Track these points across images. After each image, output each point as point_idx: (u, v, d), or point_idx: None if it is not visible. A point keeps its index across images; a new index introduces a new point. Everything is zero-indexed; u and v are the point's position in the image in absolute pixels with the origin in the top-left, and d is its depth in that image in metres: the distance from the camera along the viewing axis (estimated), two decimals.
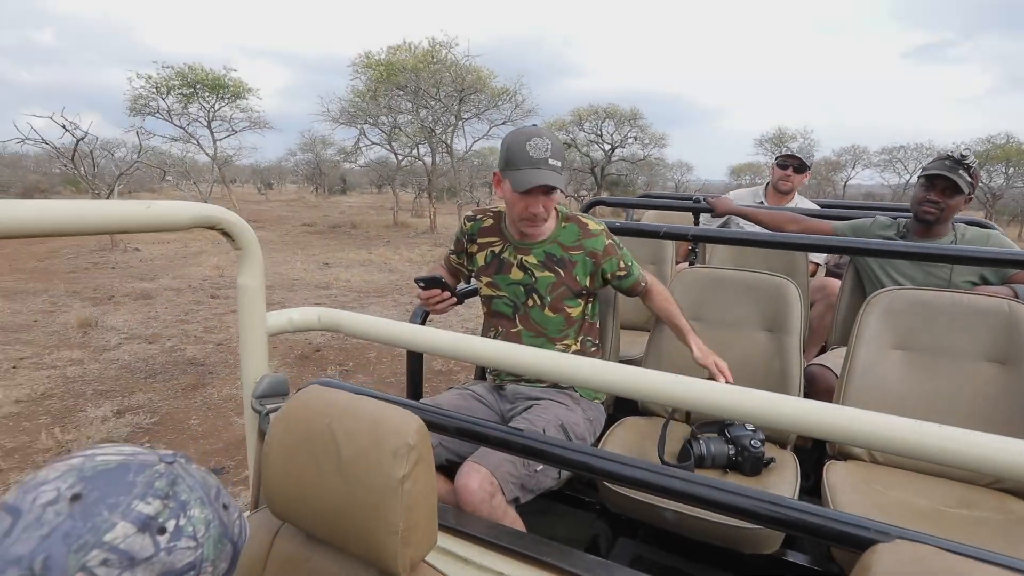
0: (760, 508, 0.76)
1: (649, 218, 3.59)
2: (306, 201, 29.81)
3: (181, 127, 14.97)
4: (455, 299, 1.55)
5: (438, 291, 1.51)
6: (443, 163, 16.19)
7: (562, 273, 1.54)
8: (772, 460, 1.41)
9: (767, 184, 2.91)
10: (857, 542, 0.69)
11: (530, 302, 1.56)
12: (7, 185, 16.96)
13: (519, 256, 1.56)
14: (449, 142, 14.43)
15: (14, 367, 4.18)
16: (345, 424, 0.74)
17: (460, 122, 14.27)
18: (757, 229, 2.35)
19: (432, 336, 1.02)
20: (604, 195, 23.21)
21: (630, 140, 23.36)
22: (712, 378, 1.47)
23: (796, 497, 1.30)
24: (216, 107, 15.56)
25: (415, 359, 1.77)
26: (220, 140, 15.89)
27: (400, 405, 0.79)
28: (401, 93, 14.72)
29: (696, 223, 2.75)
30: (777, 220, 2.19)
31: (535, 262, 1.55)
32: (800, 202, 2.85)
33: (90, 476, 0.45)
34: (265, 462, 0.80)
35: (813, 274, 2.73)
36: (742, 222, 2.63)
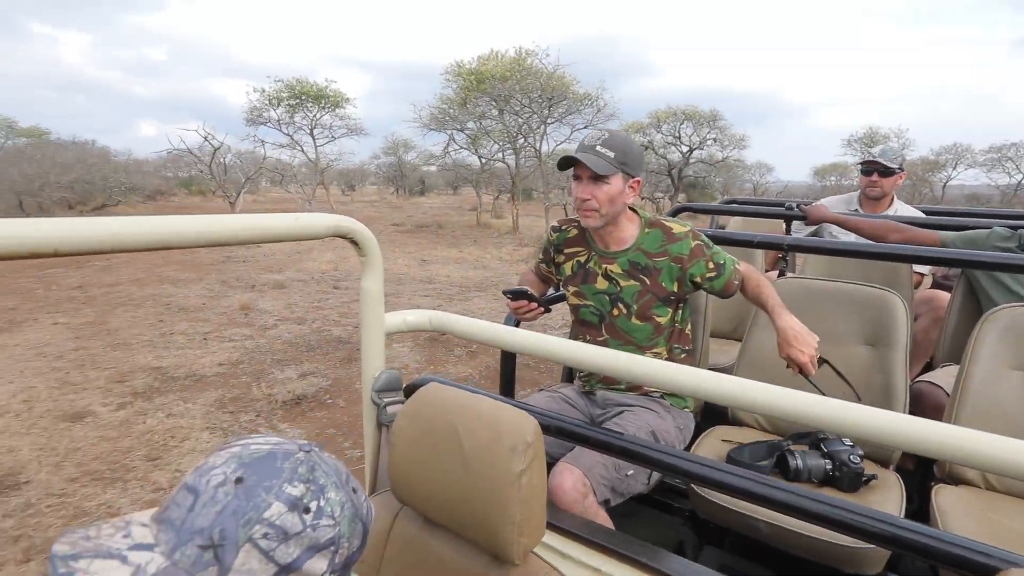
0: (871, 526, 0.74)
1: (734, 224, 3.48)
2: (388, 202, 31.34)
3: (288, 135, 16.41)
4: (541, 309, 1.60)
5: (525, 302, 1.57)
6: (525, 166, 16.80)
7: (647, 281, 1.52)
8: (873, 477, 1.37)
9: (861, 191, 2.77)
10: (978, 569, 0.67)
11: (615, 311, 1.56)
12: (139, 188, 19.06)
13: (604, 266, 1.56)
14: (538, 146, 14.99)
15: (204, 339, 5.10)
16: (466, 420, 0.80)
17: (545, 127, 14.79)
18: (852, 238, 2.30)
19: (526, 338, 1.07)
20: (681, 198, 23.09)
21: (709, 142, 23.12)
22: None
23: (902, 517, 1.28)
24: (317, 116, 16.95)
25: (509, 359, 1.81)
26: (321, 146, 17.24)
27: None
28: (488, 99, 15.49)
29: (788, 231, 2.68)
30: (878, 230, 2.10)
31: (619, 271, 1.54)
32: (900, 208, 2.70)
33: (248, 462, 0.51)
34: (391, 451, 0.88)
35: (917, 285, 2.56)
36: (835, 230, 2.55)
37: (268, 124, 15.95)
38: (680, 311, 1.61)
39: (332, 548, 0.52)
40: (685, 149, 22.97)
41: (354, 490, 0.56)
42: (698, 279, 1.53)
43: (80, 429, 3.30)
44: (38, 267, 8.39)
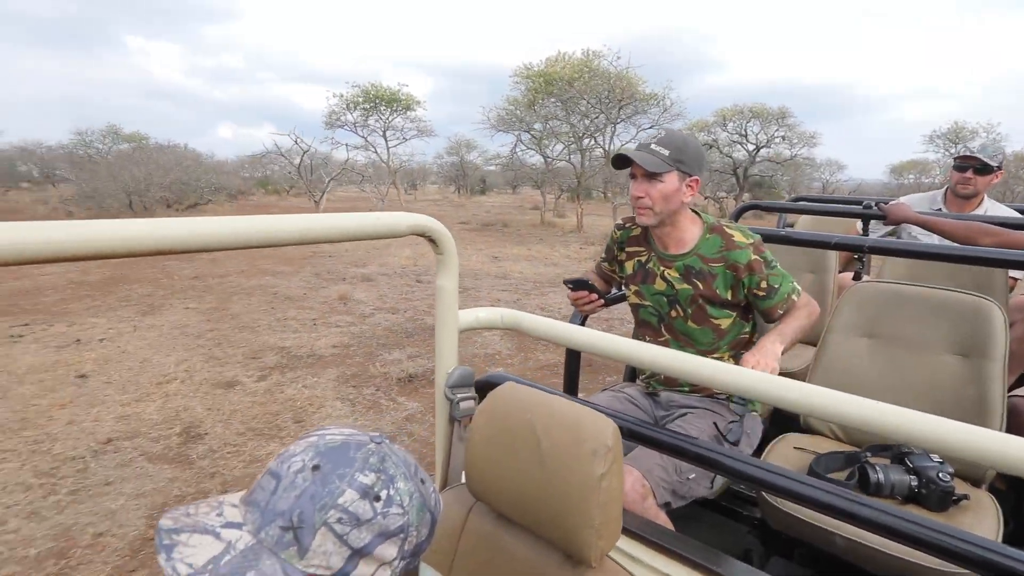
0: (967, 550, 0.70)
1: (803, 224, 3.33)
2: (450, 200, 32.20)
3: (363, 137, 17.32)
4: (601, 301, 1.61)
5: (585, 292, 1.58)
6: (589, 166, 17.05)
7: (700, 286, 1.50)
8: (964, 497, 1.28)
9: (946, 189, 2.60)
10: None
11: (673, 313, 1.56)
12: (222, 187, 20.52)
13: (662, 268, 1.56)
14: (607, 146, 15.22)
15: (314, 324, 5.70)
16: (544, 420, 0.81)
17: (614, 127, 15.00)
18: (934, 239, 2.19)
19: (592, 337, 1.09)
20: (745, 197, 22.65)
21: (777, 140, 22.60)
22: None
23: (999, 542, 1.14)
24: (390, 118, 17.79)
25: (574, 357, 1.82)
26: (392, 147, 18.09)
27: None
28: (554, 101, 15.85)
29: (864, 231, 2.56)
30: (969, 231, 1.98)
31: (676, 275, 1.53)
32: (992, 208, 2.52)
33: (324, 451, 0.55)
34: (467, 447, 0.90)
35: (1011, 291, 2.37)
36: (915, 231, 2.43)
37: (345, 127, 16.94)
38: (746, 318, 1.56)
39: (401, 535, 0.55)
40: (751, 147, 22.58)
41: (422, 481, 0.59)
42: (749, 291, 1.50)
43: (234, 395, 3.89)
44: (157, 259, 9.38)
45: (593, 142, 15.53)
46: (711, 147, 22.10)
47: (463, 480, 0.98)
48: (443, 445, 1.16)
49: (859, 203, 2.52)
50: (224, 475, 2.89)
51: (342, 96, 16.51)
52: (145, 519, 2.53)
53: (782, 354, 1.38)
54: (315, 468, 0.54)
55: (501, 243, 13.29)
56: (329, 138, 15.60)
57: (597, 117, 15.41)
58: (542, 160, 18.99)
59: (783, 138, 22.49)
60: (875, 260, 2.80)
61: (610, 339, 1.08)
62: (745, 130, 22.30)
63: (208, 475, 2.89)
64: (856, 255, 2.35)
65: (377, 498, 0.54)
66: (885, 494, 1.29)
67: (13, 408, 3.58)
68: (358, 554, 0.53)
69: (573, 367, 1.83)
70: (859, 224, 2.64)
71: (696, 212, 1.56)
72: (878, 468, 1.31)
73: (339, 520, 0.52)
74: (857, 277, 2.21)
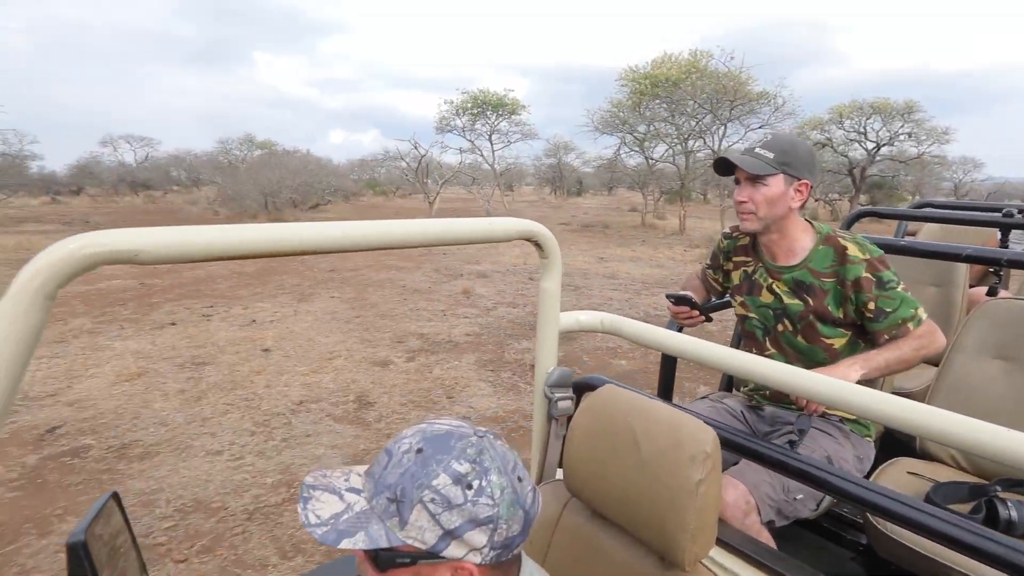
0: None
1: (929, 233, 3.03)
2: (547, 202, 32.68)
3: (470, 141, 18.15)
4: (702, 318, 1.60)
5: (686, 308, 1.57)
6: (694, 167, 16.79)
7: (811, 301, 1.41)
8: None
9: None
10: None
11: (780, 327, 1.48)
12: (338, 189, 22.24)
13: (770, 280, 1.49)
14: (716, 146, 14.96)
15: (443, 314, 6.27)
16: (644, 424, 0.83)
17: (724, 127, 14.72)
18: None
19: (691, 345, 1.08)
20: (863, 199, 21.15)
21: (901, 137, 20.89)
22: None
23: None
24: (496, 123, 18.49)
25: (669, 363, 1.81)
26: (497, 150, 18.79)
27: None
28: (659, 102, 15.79)
29: (1003, 242, 2.35)
30: None
31: (785, 288, 1.46)
32: None
33: (429, 437, 0.61)
34: (566, 445, 0.93)
35: None
36: None
37: (454, 131, 17.86)
38: (865, 339, 1.43)
39: (491, 526, 0.58)
40: (871, 146, 21.05)
41: (519, 479, 0.61)
42: (860, 309, 1.38)
43: (389, 373, 4.46)
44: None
45: (702, 143, 15.29)
46: (824, 146, 20.89)
47: (558, 476, 1.01)
48: (540, 442, 1.18)
49: (998, 210, 2.34)
50: None
51: (452, 102, 17.49)
52: (344, 466, 3.08)
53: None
54: (419, 451, 0.59)
55: (604, 244, 13.48)
56: (439, 142, 16.60)
57: (704, 118, 15.16)
58: (643, 161, 18.92)
59: (909, 135, 20.74)
60: (1014, 273, 2.55)
61: (708, 347, 1.06)
62: (864, 127, 20.82)
63: (384, 436, 3.41)
64: (992, 269, 2.13)
65: (469, 486, 0.57)
66: (1018, 533, 1.16)
67: (222, 372, 4.35)
68: (449, 535, 0.57)
69: (669, 373, 1.81)
70: (998, 233, 2.40)
71: (809, 221, 1.47)
72: (1010, 504, 1.18)
73: (432, 500, 0.56)
74: (992, 292, 2.03)
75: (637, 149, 17.96)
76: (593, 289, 8.02)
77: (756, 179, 1.38)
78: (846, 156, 21.39)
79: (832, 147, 21.15)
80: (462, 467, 0.58)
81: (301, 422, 3.56)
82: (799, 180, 1.38)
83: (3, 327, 0.51)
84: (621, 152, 18.01)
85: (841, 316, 1.40)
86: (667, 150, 17.52)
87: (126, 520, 0.76)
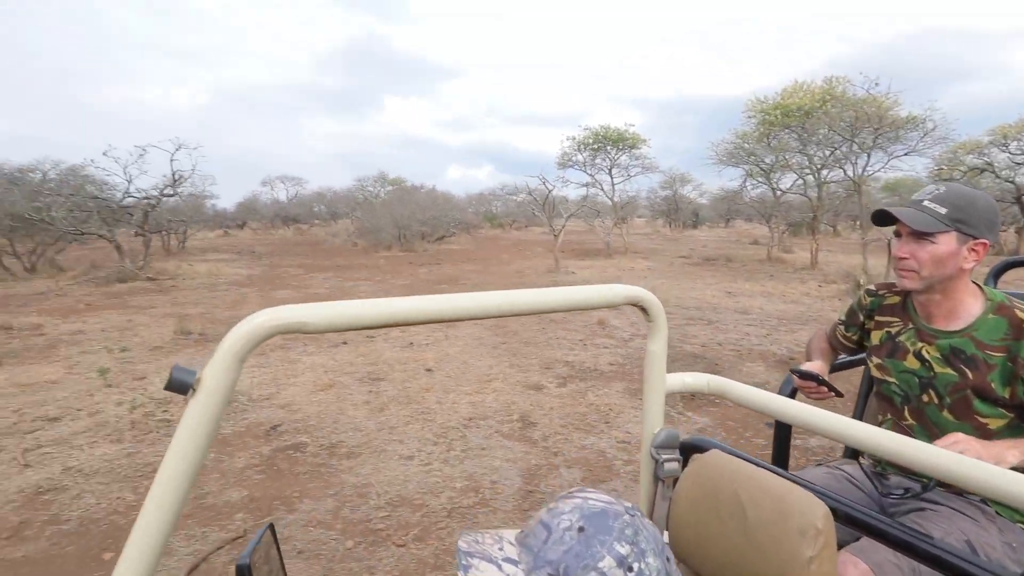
0: None
1: None
2: (662, 234, 32.25)
3: (591, 175, 18.57)
4: (831, 394, 1.47)
5: (814, 384, 1.45)
6: (827, 199, 15.91)
7: (969, 375, 1.26)
8: None
9: None
10: None
11: (925, 397, 1.33)
12: (461, 222, 23.56)
13: (919, 344, 1.35)
14: (854, 174, 14.11)
15: (583, 344, 6.52)
16: (750, 493, 0.82)
17: (868, 156, 13.89)
18: None
19: (807, 413, 1.04)
20: None
21: None
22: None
23: None
24: (616, 157, 18.79)
25: (783, 429, 1.73)
26: (617, 184, 19.03)
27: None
28: (788, 132, 15.24)
29: None
30: None
31: (936, 355, 1.31)
32: None
33: (587, 515, 0.61)
34: (671, 508, 0.93)
35: None
36: None
37: (574, 166, 18.39)
38: None
39: None
40: None
41: (668, 559, 0.62)
42: None
43: (544, 396, 4.77)
44: (434, 283, 11.36)
45: (842, 173, 14.49)
46: (983, 171, 18.84)
47: (665, 539, 1.03)
48: (647, 503, 1.17)
49: None
50: (564, 455, 3.66)
51: (574, 138, 18.10)
52: (521, 478, 3.38)
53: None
54: (580, 529, 0.60)
55: (730, 278, 13.12)
56: (560, 176, 17.23)
57: (839, 147, 14.39)
58: (768, 193, 18.21)
59: None
60: None
61: (829, 417, 1.01)
62: None
63: (552, 453, 3.69)
64: None
65: (630, 568, 0.58)
66: None
67: (396, 388, 4.91)
68: None
69: (783, 439, 1.70)
70: None
71: (979, 285, 1.33)
72: None
73: None
74: None
75: (763, 180, 17.35)
76: (727, 324, 7.90)
77: (922, 235, 1.25)
78: (1012, 182, 19.11)
79: (994, 172, 19.01)
80: (623, 549, 0.59)
81: (474, 436, 3.94)
82: (975, 239, 1.24)
83: (211, 383, 0.64)
84: (747, 184, 17.47)
85: (1007, 396, 1.23)
86: (796, 180, 16.75)
87: (278, 550, 0.86)
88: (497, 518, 2.96)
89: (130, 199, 12.33)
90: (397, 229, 18.67)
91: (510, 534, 0.66)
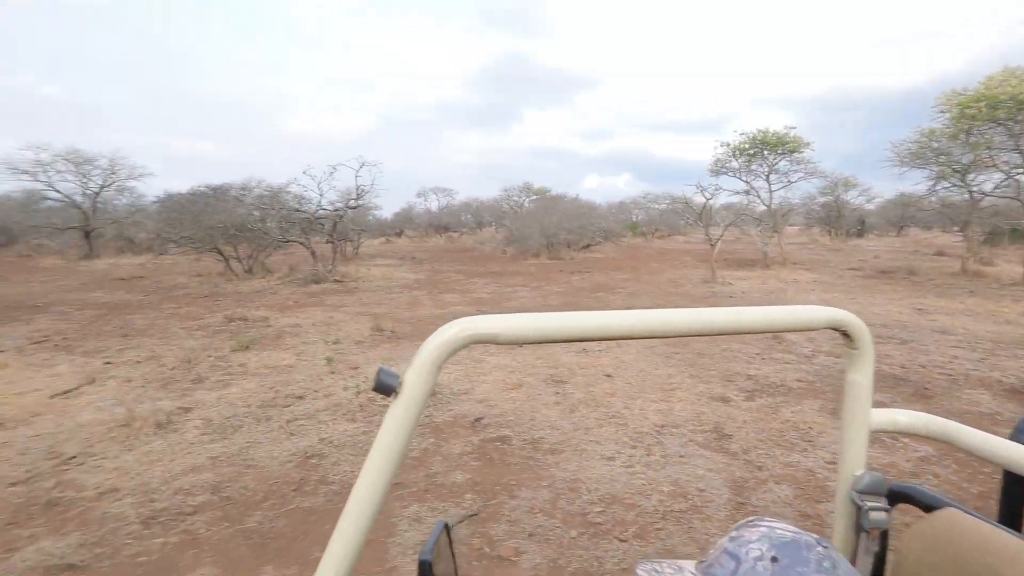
0: None
1: None
2: (821, 243, 29.57)
3: (746, 182, 17.63)
4: None
5: None
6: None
7: None
8: None
9: None
10: None
11: None
12: (605, 231, 23.53)
13: None
14: None
15: (761, 358, 6.27)
16: (986, 559, 0.76)
17: None
18: None
19: None
20: None
21: None
22: None
23: None
24: (774, 162, 17.65)
25: (1016, 482, 1.52)
26: (775, 191, 17.86)
27: None
28: (992, 126, 13.26)
29: None
30: None
31: None
32: None
33: (778, 545, 0.57)
34: (898, 572, 0.87)
35: None
36: None
37: (728, 173, 17.59)
38: None
39: None
40: None
41: None
42: None
43: (732, 409, 4.69)
44: (594, 291, 11.55)
45: None
46: None
47: None
48: (844, 553, 1.08)
49: None
50: (769, 470, 3.60)
51: (728, 145, 17.29)
52: (728, 488, 3.39)
53: None
54: (774, 559, 0.57)
55: (916, 293, 11.73)
56: (714, 184, 16.57)
57: None
58: (961, 196, 15.96)
59: None
60: None
61: None
62: None
63: (755, 467, 3.64)
64: None
65: None
66: None
67: (580, 391, 5.12)
68: None
69: (1016, 494, 1.49)
70: None
71: None
72: None
73: None
74: None
75: (958, 182, 15.27)
76: (925, 344, 7.11)
77: None
78: None
79: None
80: None
81: (670, 443, 4.01)
82: None
83: (412, 387, 0.68)
84: (938, 187, 15.48)
85: None
86: (1003, 181, 14.51)
87: (451, 548, 0.87)
88: (713, 525, 3.02)
89: (322, 211, 14.13)
90: (544, 237, 19.18)
91: (689, 564, 0.63)
